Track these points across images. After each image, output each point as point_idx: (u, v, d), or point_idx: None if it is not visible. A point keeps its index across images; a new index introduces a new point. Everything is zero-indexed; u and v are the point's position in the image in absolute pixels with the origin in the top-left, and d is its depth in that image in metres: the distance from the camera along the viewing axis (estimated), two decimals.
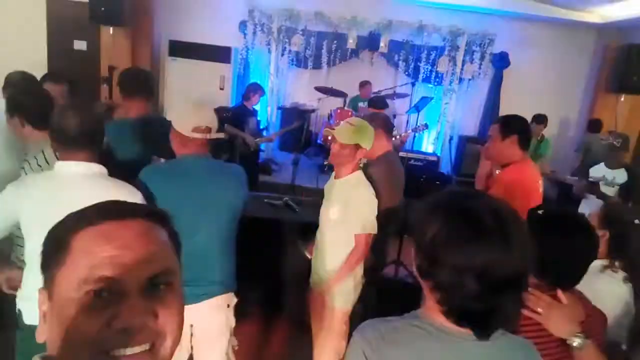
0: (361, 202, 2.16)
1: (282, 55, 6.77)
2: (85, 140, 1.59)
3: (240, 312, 2.04)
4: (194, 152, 1.87)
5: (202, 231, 1.83)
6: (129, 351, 0.57)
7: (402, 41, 6.61)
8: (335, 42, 6.61)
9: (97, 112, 1.67)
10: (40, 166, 1.83)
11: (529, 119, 4.06)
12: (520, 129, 2.41)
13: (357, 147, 2.19)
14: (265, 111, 6.86)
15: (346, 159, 2.21)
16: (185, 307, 1.90)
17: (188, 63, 6.65)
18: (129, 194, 1.61)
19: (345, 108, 6.29)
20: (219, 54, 6.57)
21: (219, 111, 5.45)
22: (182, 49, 6.61)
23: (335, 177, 2.32)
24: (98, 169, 1.63)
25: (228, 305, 1.95)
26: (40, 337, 0.61)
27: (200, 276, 1.83)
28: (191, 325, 1.89)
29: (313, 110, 6.54)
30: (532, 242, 0.89)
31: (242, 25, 6.62)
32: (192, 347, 1.93)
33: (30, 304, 1.49)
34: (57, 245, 0.60)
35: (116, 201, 0.64)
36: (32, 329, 1.44)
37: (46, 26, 6.68)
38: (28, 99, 2.01)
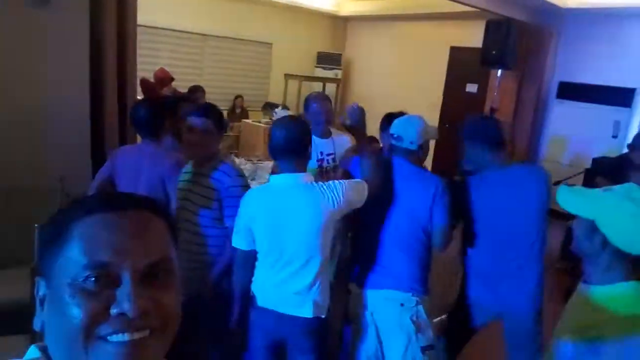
0: None
1: None
2: (287, 152, 1.77)
3: None
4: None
5: (390, 225, 2.01)
6: (127, 337, 0.57)
7: None
8: None
9: (300, 127, 1.79)
10: None
11: None
12: None
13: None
14: None
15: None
16: (366, 290, 2.05)
17: (576, 106, 6.09)
18: (323, 198, 1.75)
19: None
20: (617, 96, 5.70)
21: (596, 162, 4.78)
22: (572, 91, 6.10)
23: None
24: (300, 178, 1.78)
25: (402, 305, 1.97)
26: (37, 325, 0.62)
27: (381, 265, 2.02)
28: (371, 313, 2.03)
29: None
30: None
31: None
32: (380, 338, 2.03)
33: (260, 291, 1.88)
34: (57, 233, 0.60)
35: (117, 192, 0.67)
36: (262, 309, 1.82)
37: (446, 70, 7.52)
38: None
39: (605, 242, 1.17)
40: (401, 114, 2.60)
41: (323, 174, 2.73)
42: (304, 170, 1.82)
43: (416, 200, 1.99)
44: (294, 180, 1.79)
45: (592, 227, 1.19)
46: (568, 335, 1.20)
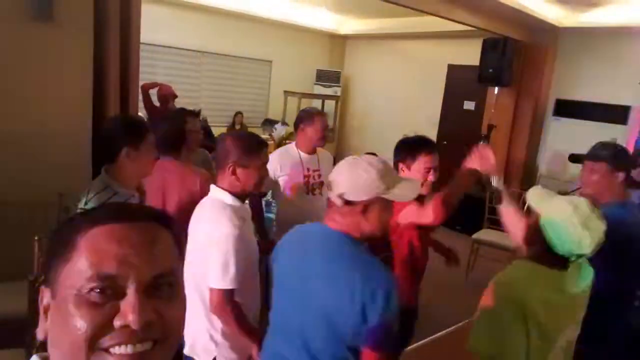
0: None
1: None
2: (217, 165, 1.79)
3: None
4: None
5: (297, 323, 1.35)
6: (130, 349, 0.56)
7: None
8: None
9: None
10: None
11: None
12: None
13: None
14: None
15: None
16: None
17: (572, 123, 6.14)
18: (218, 221, 1.60)
19: None
20: (613, 113, 5.75)
21: None
22: (569, 108, 6.16)
23: None
24: (216, 192, 1.72)
25: None
26: (40, 335, 0.62)
27: None
28: None
29: None
30: None
31: None
32: None
33: None
34: (64, 243, 0.60)
35: (124, 203, 0.66)
36: None
37: (444, 88, 7.59)
38: None
39: (537, 230, 1.38)
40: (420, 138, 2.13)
41: (309, 191, 2.73)
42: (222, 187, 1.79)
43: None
44: (212, 192, 1.81)
45: (537, 217, 1.40)
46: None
